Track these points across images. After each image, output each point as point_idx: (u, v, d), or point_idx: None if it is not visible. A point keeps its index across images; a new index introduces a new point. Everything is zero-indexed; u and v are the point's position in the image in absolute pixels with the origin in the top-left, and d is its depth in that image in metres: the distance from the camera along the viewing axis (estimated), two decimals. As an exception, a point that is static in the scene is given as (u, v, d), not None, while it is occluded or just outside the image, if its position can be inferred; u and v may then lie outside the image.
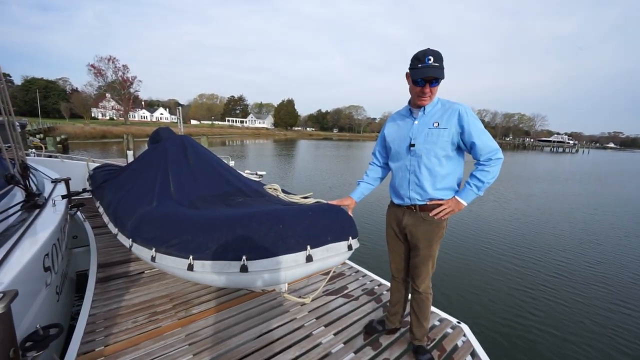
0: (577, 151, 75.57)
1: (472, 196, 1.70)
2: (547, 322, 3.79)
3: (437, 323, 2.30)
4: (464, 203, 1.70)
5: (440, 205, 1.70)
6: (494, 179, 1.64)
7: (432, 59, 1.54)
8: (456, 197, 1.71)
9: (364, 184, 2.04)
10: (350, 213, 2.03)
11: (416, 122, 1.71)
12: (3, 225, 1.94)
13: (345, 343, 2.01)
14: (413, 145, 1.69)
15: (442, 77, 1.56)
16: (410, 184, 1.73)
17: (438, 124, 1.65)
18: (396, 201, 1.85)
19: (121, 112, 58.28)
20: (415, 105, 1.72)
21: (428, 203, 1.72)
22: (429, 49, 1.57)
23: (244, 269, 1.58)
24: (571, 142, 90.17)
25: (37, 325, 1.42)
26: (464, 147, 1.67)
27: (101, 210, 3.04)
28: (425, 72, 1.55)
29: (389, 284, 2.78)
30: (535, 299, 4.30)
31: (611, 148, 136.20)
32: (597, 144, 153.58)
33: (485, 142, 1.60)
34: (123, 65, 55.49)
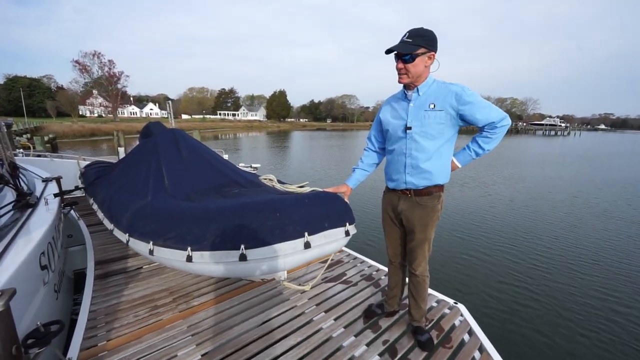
0: (568, 134, 76.29)
1: (469, 160, 1.78)
2: (541, 300, 3.90)
3: (434, 304, 2.36)
4: (459, 165, 1.79)
5: (433, 187, 1.72)
6: (495, 146, 1.68)
7: (407, 35, 1.57)
8: (453, 158, 1.77)
9: (359, 170, 2.04)
10: (346, 200, 2.04)
11: (411, 104, 1.68)
12: None
13: (345, 327, 2.05)
14: (409, 128, 1.67)
15: (406, 52, 1.54)
16: (407, 167, 1.72)
17: (434, 106, 1.62)
18: (391, 185, 1.85)
19: (110, 108, 57.07)
20: (405, 85, 1.69)
21: (423, 188, 1.72)
22: (416, 27, 1.60)
23: (243, 257, 1.59)
24: (563, 124, 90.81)
25: (38, 323, 1.42)
26: (468, 123, 1.67)
27: (95, 207, 3.01)
28: (391, 46, 1.57)
29: (386, 269, 2.82)
30: (529, 278, 4.42)
31: (602, 129, 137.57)
32: (589, 126, 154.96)
33: (489, 113, 1.59)
34: (109, 60, 54.27)
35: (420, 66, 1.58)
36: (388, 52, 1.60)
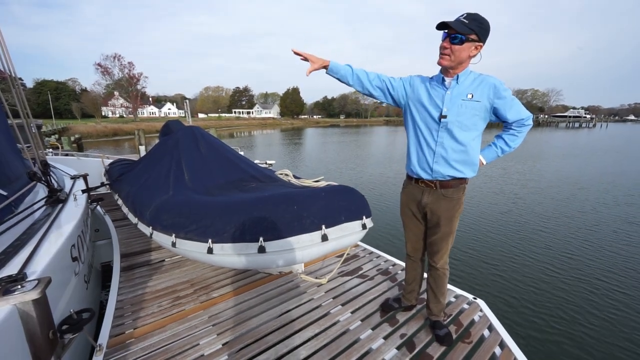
0: (594, 125, 72.49)
1: (494, 157, 1.78)
2: (565, 297, 3.77)
3: (452, 299, 2.32)
4: (484, 162, 1.78)
5: (459, 179, 1.70)
6: (519, 144, 1.69)
7: (464, 16, 1.48)
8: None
9: (349, 67, 1.71)
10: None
11: (448, 92, 1.60)
12: (30, 220, 2.02)
13: (362, 320, 2.06)
14: (444, 117, 1.60)
15: (460, 31, 1.45)
16: (436, 156, 1.65)
17: (472, 96, 1.56)
18: (414, 174, 1.76)
19: (130, 109, 59.13)
20: (444, 71, 1.62)
21: (449, 180, 1.68)
22: (472, 12, 1.50)
23: (261, 249, 1.63)
24: (588, 116, 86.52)
25: (71, 310, 1.50)
26: (496, 118, 1.65)
27: (120, 202, 3.14)
28: (448, 22, 1.48)
29: (403, 264, 2.81)
30: (552, 274, 4.27)
31: (631, 120, 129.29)
32: (617, 117, 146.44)
33: (520, 110, 1.60)
34: (129, 62, 56.19)
35: (465, 53, 1.51)
36: (440, 26, 1.51)
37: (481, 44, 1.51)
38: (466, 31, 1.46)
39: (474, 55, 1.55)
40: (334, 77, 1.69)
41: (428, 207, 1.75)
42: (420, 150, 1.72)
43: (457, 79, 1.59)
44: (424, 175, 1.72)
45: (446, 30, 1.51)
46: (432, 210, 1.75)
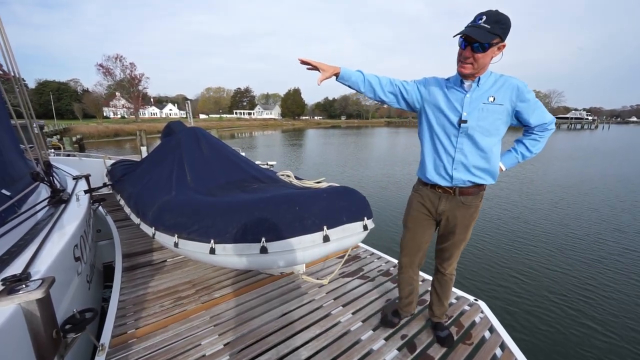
0: (596, 127, 72.35)
1: (514, 163, 1.69)
2: (566, 299, 3.76)
3: (454, 301, 2.33)
4: (504, 168, 1.69)
5: (479, 186, 1.61)
6: (541, 150, 1.61)
7: (483, 19, 1.33)
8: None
9: (360, 74, 1.62)
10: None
11: (468, 95, 1.49)
12: (33, 220, 2.03)
13: (363, 321, 2.07)
14: (464, 122, 1.49)
15: (484, 41, 1.31)
16: (455, 162, 1.55)
17: (494, 99, 1.45)
18: (431, 181, 1.64)
19: (132, 110, 59.30)
20: (462, 74, 1.48)
21: (469, 187, 1.58)
22: (492, 10, 1.35)
23: (263, 250, 1.63)
24: (590, 118, 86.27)
25: (74, 310, 1.51)
26: (517, 121, 1.55)
27: (122, 202, 3.15)
28: (465, 30, 1.35)
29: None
30: (554, 276, 4.26)
31: (634, 122, 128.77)
32: (619, 119, 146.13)
33: (543, 113, 1.51)
34: (130, 63, 56.33)
35: (489, 57, 1.39)
36: (462, 37, 1.38)
37: (504, 43, 1.38)
38: (491, 38, 1.32)
39: (495, 56, 1.42)
40: (345, 84, 1.61)
41: (445, 214, 1.66)
42: (437, 157, 1.61)
43: (478, 81, 1.48)
44: (441, 182, 1.61)
45: (462, 36, 1.37)
46: (448, 217, 1.66)
